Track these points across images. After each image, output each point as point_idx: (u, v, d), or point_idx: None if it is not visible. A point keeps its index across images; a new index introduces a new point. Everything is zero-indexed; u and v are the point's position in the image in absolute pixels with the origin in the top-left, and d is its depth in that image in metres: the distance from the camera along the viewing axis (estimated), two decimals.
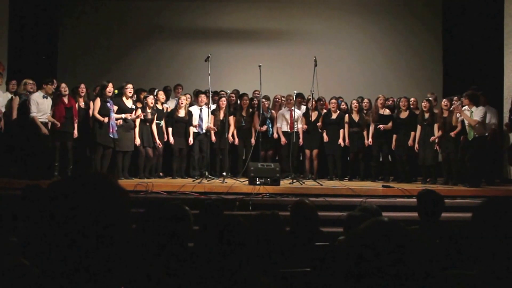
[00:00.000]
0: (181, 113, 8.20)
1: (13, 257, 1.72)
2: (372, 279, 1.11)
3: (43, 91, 7.37)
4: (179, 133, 8.19)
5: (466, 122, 7.25)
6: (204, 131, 8.25)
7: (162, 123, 8.10)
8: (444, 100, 7.91)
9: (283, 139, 8.45)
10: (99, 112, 7.42)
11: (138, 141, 7.76)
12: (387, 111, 8.34)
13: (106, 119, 7.35)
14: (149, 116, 7.89)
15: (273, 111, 8.70)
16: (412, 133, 8.04)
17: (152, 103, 7.93)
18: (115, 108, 7.58)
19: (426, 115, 7.88)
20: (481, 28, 9.68)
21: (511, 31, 8.56)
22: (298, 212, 3.34)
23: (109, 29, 11.04)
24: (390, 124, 8.23)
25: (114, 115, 7.47)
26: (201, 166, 8.26)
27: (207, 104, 8.28)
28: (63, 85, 7.59)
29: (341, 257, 2.37)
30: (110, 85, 7.56)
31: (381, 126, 8.17)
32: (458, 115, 7.30)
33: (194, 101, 8.74)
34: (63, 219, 0.98)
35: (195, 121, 8.31)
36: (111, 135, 7.39)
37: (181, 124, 8.21)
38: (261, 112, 8.19)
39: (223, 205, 4.67)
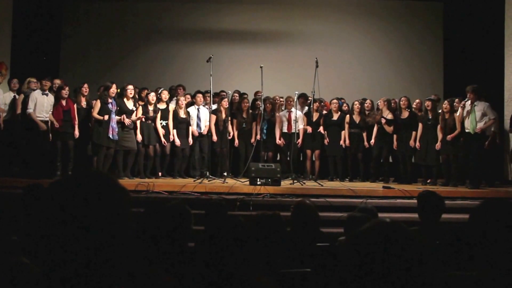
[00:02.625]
0: (181, 113, 8.20)
1: (14, 256, 1.72)
2: (373, 280, 1.12)
3: (44, 87, 7.43)
4: (181, 133, 8.19)
5: (467, 122, 7.27)
6: (202, 130, 8.25)
7: (165, 123, 8.04)
8: (445, 102, 7.90)
9: (280, 141, 8.44)
10: (98, 113, 7.43)
11: (139, 137, 7.74)
12: (390, 115, 8.29)
13: (106, 117, 7.34)
14: (151, 114, 7.87)
15: (278, 114, 8.65)
16: (414, 132, 8.03)
17: (153, 100, 7.89)
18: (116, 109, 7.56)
19: (430, 114, 7.88)
20: (482, 30, 9.68)
21: None
22: (299, 213, 3.34)
23: (111, 30, 11.05)
24: (391, 127, 8.21)
25: (115, 117, 7.45)
26: (202, 166, 8.26)
27: (205, 104, 8.26)
28: (66, 88, 7.56)
29: (341, 258, 2.37)
30: (114, 86, 7.55)
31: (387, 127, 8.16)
32: (461, 113, 7.31)
33: (193, 101, 8.73)
34: (64, 218, 0.98)
35: (193, 121, 8.30)
36: (110, 136, 7.38)
37: (183, 125, 8.21)
38: (262, 113, 8.18)
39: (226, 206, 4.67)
